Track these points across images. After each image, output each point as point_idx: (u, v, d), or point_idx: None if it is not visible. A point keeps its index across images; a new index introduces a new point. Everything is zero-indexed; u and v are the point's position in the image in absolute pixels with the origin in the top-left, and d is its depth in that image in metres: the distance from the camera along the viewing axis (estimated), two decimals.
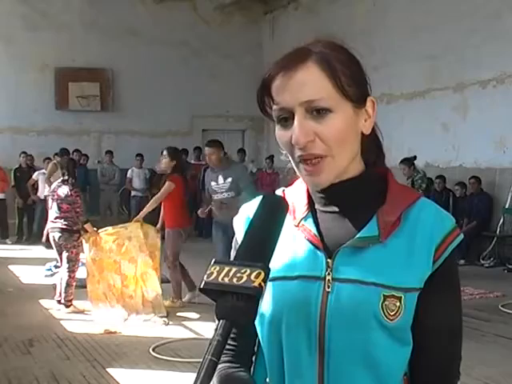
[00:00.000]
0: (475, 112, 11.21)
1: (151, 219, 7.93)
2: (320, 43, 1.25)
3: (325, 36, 1.27)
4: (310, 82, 1.20)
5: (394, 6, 12.75)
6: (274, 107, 1.23)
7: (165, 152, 7.76)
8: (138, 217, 7.78)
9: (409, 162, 10.19)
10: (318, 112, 1.20)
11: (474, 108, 11.25)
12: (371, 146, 1.32)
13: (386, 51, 12.52)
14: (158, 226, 7.74)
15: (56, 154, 13.04)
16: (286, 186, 1.39)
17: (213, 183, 7.45)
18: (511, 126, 10.43)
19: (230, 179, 7.31)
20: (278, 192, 1.36)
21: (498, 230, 10.89)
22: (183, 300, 7.77)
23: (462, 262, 9.97)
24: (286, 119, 1.22)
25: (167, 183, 7.60)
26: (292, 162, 1.25)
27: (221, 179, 7.37)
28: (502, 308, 7.40)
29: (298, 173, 1.26)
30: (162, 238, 7.73)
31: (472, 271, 9.05)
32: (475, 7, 10.99)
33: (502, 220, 10.88)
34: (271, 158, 14.57)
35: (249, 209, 1.34)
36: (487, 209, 10.98)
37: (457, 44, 11.30)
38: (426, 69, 11.96)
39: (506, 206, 10.80)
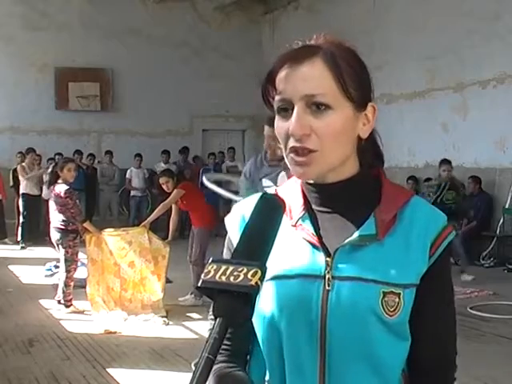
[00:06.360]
0: (475, 112, 11.20)
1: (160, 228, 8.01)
2: (329, 42, 1.27)
3: (334, 36, 1.29)
4: (314, 77, 1.22)
5: (393, 6, 12.74)
6: (276, 97, 1.25)
7: (162, 179, 7.80)
8: (144, 222, 7.80)
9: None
10: (317, 107, 1.22)
11: (474, 108, 11.24)
12: (369, 149, 1.34)
13: (386, 51, 12.52)
14: (169, 239, 7.83)
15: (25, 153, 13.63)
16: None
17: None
18: (511, 125, 10.43)
19: None
20: (271, 191, 1.37)
21: (498, 230, 10.88)
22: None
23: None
24: (286, 110, 1.24)
25: (175, 191, 7.69)
26: (284, 152, 1.27)
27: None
28: (470, 310, 7.26)
29: (287, 163, 1.27)
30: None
31: (472, 271, 9.05)
32: (475, 7, 10.99)
33: (502, 220, 10.88)
34: None
35: (243, 207, 1.35)
36: (487, 209, 10.98)
37: (457, 44, 11.29)
38: (426, 69, 11.96)
39: (506, 206, 10.80)
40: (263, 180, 5.05)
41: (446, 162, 9.64)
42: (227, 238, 1.38)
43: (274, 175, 4.88)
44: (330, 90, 1.22)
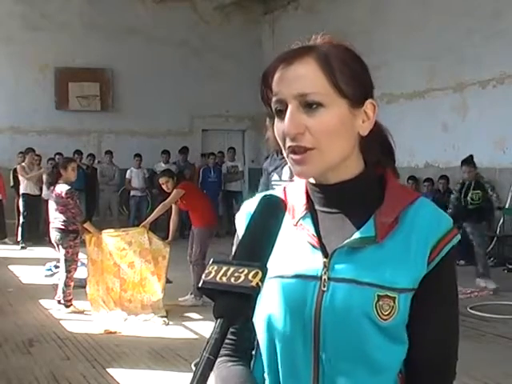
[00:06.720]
0: (475, 112, 11.20)
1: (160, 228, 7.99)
2: (325, 41, 1.27)
3: (332, 35, 1.29)
4: (305, 76, 1.22)
5: (393, 6, 12.74)
6: (273, 99, 1.26)
7: (161, 179, 7.78)
8: (144, 223, 7.80)
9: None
10: (310, 106, 1.22)
11: (474, 108, 11.24)
12: (373, 146, 1.32)
13: (386, 51, 12.51)
14: (170, 239, 7.82)
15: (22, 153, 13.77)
16: None
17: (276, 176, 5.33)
18: (511, 125, 10.43)
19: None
20: (280, 189, 1.38)
21: (498, 230, 10.88)
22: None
23: (462, 262, 9.96)
24: (282, 111, 1.24)
25: (175, 191, 7.68)
26: (284, 152, 1.27)
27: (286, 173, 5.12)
28: (470, 310, 7.27)
29: (289, 163, 1.28)
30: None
31: (472, 271, 9.04)
32: (475, 7, 10.99)
33: (501, 220, 10.87)
34: None
35: (250, 206, 1.35)
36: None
37: (456, 44, 11.29)
38: (426, 69, 11.96)
39: (506, 206, 10.80)
40: (273, 173, 5.30)
41: (465, 162, 9.07)
42: (236, 235, 1.39)
43: (279, 169, 5.20)
44: (322, 88, 1.22)
